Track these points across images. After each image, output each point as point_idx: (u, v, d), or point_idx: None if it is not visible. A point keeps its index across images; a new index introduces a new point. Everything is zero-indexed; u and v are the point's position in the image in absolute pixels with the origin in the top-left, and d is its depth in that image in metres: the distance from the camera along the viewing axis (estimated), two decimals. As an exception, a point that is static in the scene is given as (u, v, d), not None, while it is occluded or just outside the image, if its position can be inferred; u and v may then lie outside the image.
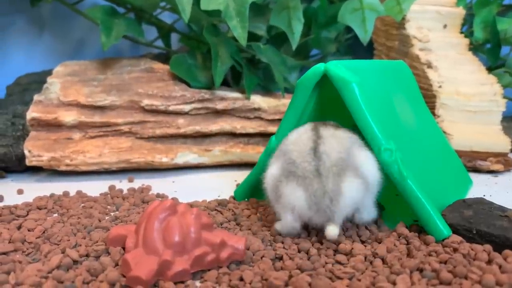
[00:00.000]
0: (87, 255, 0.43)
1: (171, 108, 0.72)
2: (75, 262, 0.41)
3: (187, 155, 0.72)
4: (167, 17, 0.89)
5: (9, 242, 0.45)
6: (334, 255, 0.43)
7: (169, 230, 0.39)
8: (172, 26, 0.84)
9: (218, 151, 0.73)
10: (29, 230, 0.48)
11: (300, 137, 0.46)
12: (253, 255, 0.42)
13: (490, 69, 0.83)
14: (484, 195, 0.58)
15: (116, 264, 0.41)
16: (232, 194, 0.60)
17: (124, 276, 0.38)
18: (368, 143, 0.46)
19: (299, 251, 0.43)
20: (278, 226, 0.46)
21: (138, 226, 0.41)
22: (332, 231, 0.42)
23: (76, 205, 0.56)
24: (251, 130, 0.75)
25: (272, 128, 0.75)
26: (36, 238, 0.46)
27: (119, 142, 0.70)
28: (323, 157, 0.43)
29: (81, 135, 0.70)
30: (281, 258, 0.42)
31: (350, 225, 0.49)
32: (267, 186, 0.46)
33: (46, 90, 0.71)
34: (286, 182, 0.43)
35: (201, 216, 0.41)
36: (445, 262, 0.40)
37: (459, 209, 0.47)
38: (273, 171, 0.46)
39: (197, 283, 0.38)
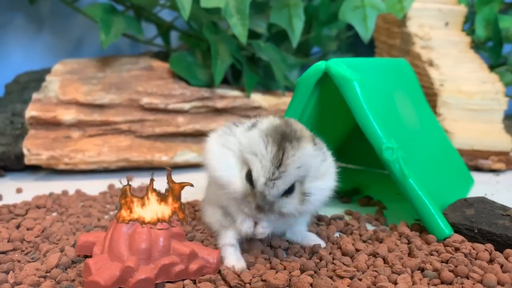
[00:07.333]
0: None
1: (171, 106, 0.71)
2: (74, 261, 0.41)
3: (186, 153, 0.71)
4: (166, 15, 0.88)
5: (8, 241, 0.44)
6: (335, 256, 0.42)
7: (136, 236, 0.37)
8: (172, 24, 0.83)
9: (218, 150, 0.73)
10: (28, 229, 0.48)
11: None
12: (253, 256, 0.42)
13: (492, 67, 0.83)
14: (485, 194, 0.58)
15: (115, 264, 0.40)
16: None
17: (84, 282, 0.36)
18: (369, 141, 0.46)
19: (298, 252, 0.43)
20: None
21: (107, 233, 0.40)
22: None
23: (75, 204, 0.56)
24: (251, 129, 0.74)
25: (273, 127, 0.75)
26: (35, 237, 0.46)
27: (118, 140, 0.70)
28: None
29: (80, 133, 0.70)
30: (281, 260, 0.42)
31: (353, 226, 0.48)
32: None
33: (45, 89, 0.71)
34: None
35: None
36: (447, 262, 0.40)
37: (460, 208, 0.47)
38: None
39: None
